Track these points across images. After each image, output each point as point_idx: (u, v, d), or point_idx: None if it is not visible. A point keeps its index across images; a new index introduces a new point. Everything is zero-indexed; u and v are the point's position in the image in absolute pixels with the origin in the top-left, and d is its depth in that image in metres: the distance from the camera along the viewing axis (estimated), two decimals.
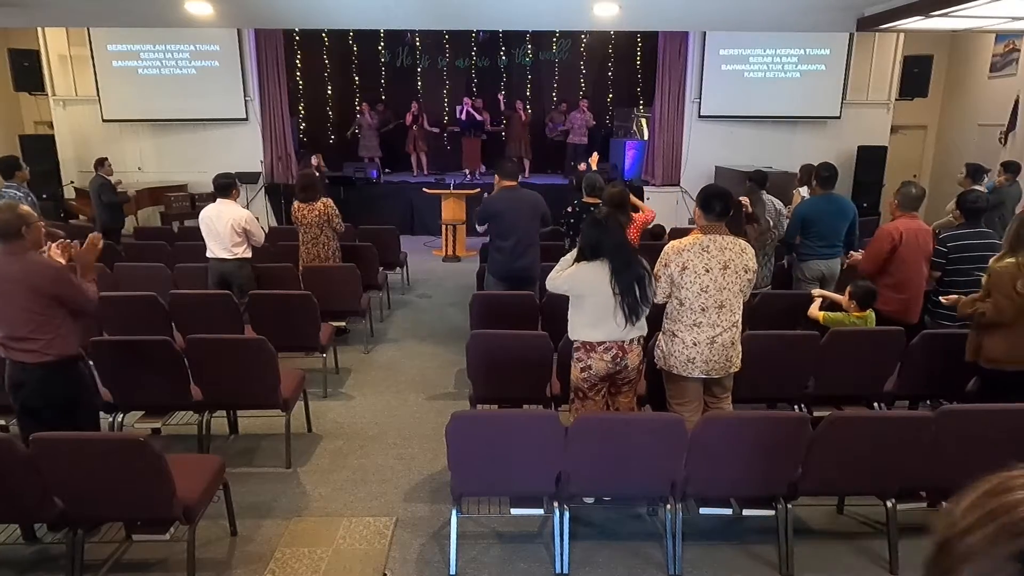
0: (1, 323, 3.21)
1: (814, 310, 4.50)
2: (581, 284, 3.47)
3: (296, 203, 6.27)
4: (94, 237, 3.45)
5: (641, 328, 3.49)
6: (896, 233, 4.58)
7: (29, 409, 3.29)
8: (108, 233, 7.96)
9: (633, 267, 3.41)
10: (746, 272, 3.45)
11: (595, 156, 7.59)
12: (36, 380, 3.24)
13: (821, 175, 5.58)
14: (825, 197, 5.52)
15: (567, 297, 3.57)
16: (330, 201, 6.34)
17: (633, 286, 3.38)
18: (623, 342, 3.46)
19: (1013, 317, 3.59)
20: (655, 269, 3.54)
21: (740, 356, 3.56)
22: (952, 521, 0.70)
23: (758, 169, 7.34)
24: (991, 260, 3.76)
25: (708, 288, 3.39)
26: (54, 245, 3.39)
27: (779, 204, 6.21)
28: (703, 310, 3.41)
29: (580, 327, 3.51)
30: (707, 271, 3.39)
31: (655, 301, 3.55)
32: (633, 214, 5.20)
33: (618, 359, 3.47)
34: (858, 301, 4.30)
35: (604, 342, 3.45)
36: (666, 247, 3.53)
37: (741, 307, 3.51)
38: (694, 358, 3.46)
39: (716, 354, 3.45)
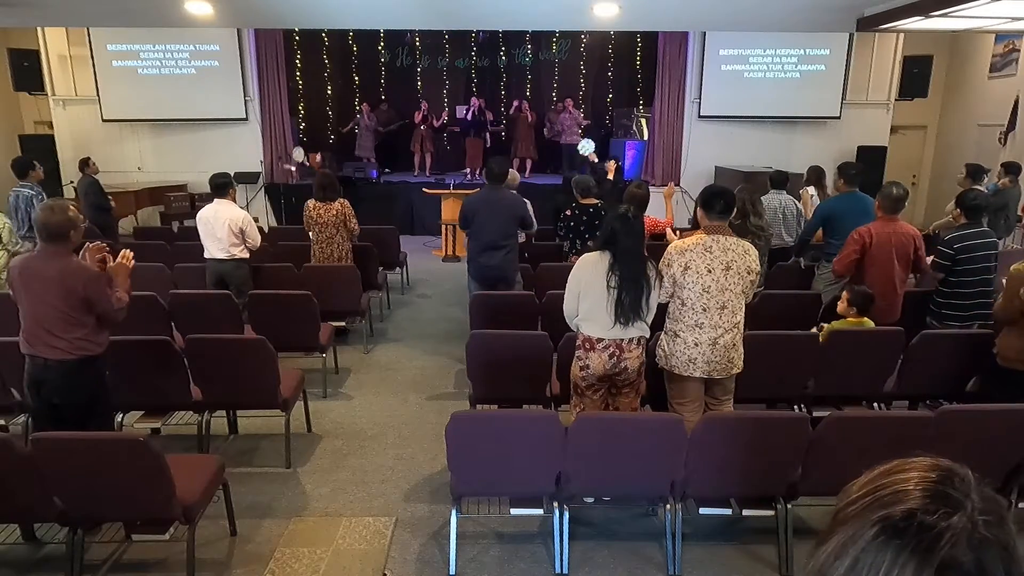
0: (31, 319, 3.25)
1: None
2: (579, 282, 3.48)
3: (312, 202, 6.24)
4: (126, 254, 3.51)
5: (641, 329, 3.48)
6: (867, 236, 4.62)
7: (50, 407, 3.32)
8: (102, 232, 7.95)
9: (636, 272, 3.38)
10: (749, 273, 3.45)
11: (612, 163, 7.66)
12: (59, 377, 3.27)
13: (848, 173, 5.61)
14: (850, 195, 5.53)
15: (564, 295, 3.59)
16: (347, 202, 6.34)
17: (630, 289, 3.36)
18: (621, 341, 3.45)
19: (1013, 317, 3.65)
20: (659, 268, 3.53)
21: (742, 357, 3.56)
22: (847, 493, 0.75)
23: (760, 171, 7.36)
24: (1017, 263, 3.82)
25: (710, 288, 3.39)
26: (92, 247, 3.43)
27: (791, 206, 6.23)
28: (704, 310, 3.41)
29: (580, 319, 3.53)
30: (709, 271, 3.39)
31: (659, 300, 3.56)
32: (646, 217, 5.23)
33: (616, 358, 3.47)
34: (857, 306, 4.29)
35: (603, 339, 3.46)
36: (669, 247, 3.53)
37: (743, 308, 3.51)
38: (695, 358, 3.46)
39: (718, 355, 3.45)
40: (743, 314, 3.52)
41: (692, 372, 3.49)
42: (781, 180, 6.42)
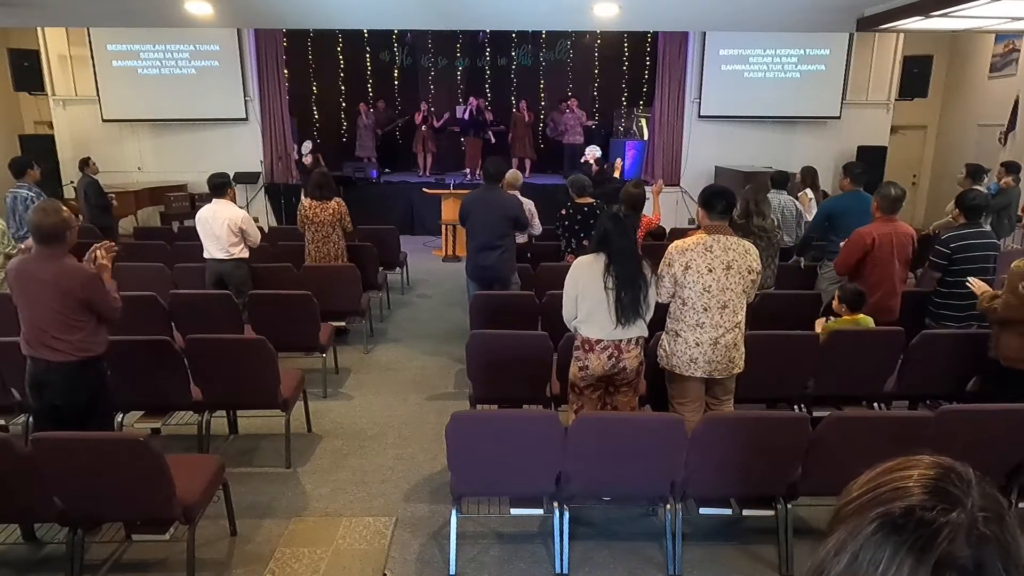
0: (29, 321, 3.24)
1: (819, 329, 4.49)
2: (576, 285, 3.51)
3: (307, 201, 6.24)
4: (108, 245, 3.47)
5: (640, 329, 3.49)
6: (869, 238, 4.62)
7: (52, 408, 3.31)
8: (102, 232, 7.96)
9: (632, 271, 3.41)
10: (749, 273, 3.46)
11: (619, 162, 7.71)
12: (61, 379, 3.26)
13: (853, 172, 5.64)
14: (853, 194, 5.56)
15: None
16: (342, 200, 6.37)
17: (628, 288, 3.39)
18: (619, 342, 3.47)
19: (1016, 315, 3.63)
20: (659, 268, 3.54)
21: (743, 357, 3.56)
22: (848, 491, 0.75)
23: (760, 171, 7.37)
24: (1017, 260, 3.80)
25: (711, 288, 3.40)
26: (101, 248, 3.40)
27: (793, 206, 6.23)
28: (705, 310, 3.42)
29: (579, 321, 3.54)
30: (710, 271, 3.40)
31: (658, 300, 3.57)
32: (643, 215, 5.24)
33: (615, 359, 3.48)
34: (847, 304, 4.30)
35: (601, 340, 3.47)
36: (670, 247, 3.54)
37: (744, 308, 3.52)
38: (696, 358, 3.47)
39: (719, 355, 3.46)
40: (744, 314, 3.52)
41: (693, 372, 3.50)
42: (782, 180, 6.44)
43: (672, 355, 3.54)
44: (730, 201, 3.52)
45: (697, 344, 3.45)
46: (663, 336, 3.63)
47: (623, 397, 3.64)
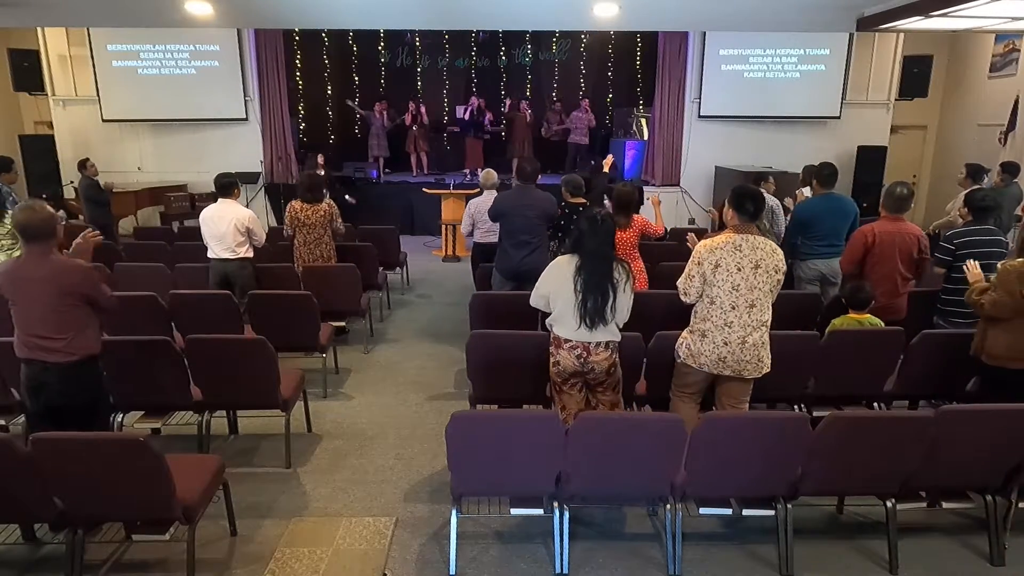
0: (24, 322, 3.23)
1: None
2: (548, 284, 3.55)
3: (298, 203, 6.24)
4: (90, 234, 3.47)
5: (609, 333, 3.51)
6: (870, 235, 4.66)
7: (51, 410, 3.28)
8: (101, 231, 7.94)
9: (600, 277, 3.43)
10: (776, 272, 3.47)
11: (609, 158, 7.65)
12: (59, 380, 3.24)
13: (822, 174, 5.62)
14: (824, 197, 5.56)
15: None
16: (332, 202, 6.42)
17: (593, 293, 3.41)
18: (588, 344, 3.49)
19: (1010, 315, 3.64)
20: (688, 267, 3.54)
21: (770, 358, 3.55)
22: None
23: (760, 171, 7.36)
24: (1002, 262, 3.78)
25: (740, 287, 3.41)
26: (87, 235, 3.40)
27: (773, 201, 6.22)
28: (734, 308, 3.43)
29: (552, 319, 3.59)
30: (739, 269, 3.41)
31: (687, 300, 3.59)
32: (634, 215, 5.21)
33: (583, 359, 3.50)
34: (849, 304, 4.31)
35: (570, 340, 3.50)
36: (698, 245, 3.55)
37: (770, 307, 3.52)
38: (725, 357, 3.48)
39: (748, 354, 3.47)
40: (770, 313, 3.52)
41: (722, 371, 3.51)
42: (757, 180, 6.47)
43: (700, 354, 3.54)
44: (759, 205, 3.53)
45: (726, 344, 3.46)
46: (687, 335, 3.64)
47: (603, 396, 3.66)
